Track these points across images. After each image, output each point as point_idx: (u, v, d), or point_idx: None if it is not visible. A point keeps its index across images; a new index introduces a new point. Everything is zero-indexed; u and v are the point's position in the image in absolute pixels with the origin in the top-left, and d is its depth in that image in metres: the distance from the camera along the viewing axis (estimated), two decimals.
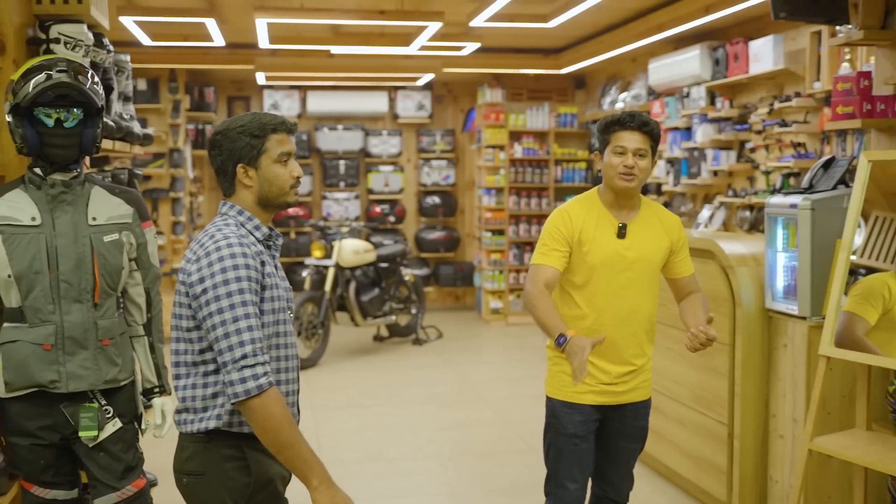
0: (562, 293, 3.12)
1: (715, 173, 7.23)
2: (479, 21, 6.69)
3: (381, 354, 8.52)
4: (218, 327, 2.10)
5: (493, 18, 6.79)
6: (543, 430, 3.21)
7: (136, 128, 3.80)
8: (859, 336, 3.30)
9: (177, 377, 2.26)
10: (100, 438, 2.75)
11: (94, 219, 2.76)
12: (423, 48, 7.95)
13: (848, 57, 5.45)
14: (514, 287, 10.08)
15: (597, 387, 3.07)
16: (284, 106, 10.45)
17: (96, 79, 2.78)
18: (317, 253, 8.18)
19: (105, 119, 3.11)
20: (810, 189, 3.93)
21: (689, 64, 7.25)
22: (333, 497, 2.10)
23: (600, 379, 3.07)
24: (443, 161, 11.00)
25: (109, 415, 2.77)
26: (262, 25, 6.68)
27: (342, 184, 10.73)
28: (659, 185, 8.27)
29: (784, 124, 6.17)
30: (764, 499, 4.10)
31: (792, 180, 6.18)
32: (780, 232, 3.96)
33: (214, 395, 2.21)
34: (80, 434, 2.72)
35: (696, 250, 4.17)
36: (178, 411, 2.27)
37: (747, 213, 6.64)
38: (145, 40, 7.46)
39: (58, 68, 2.63)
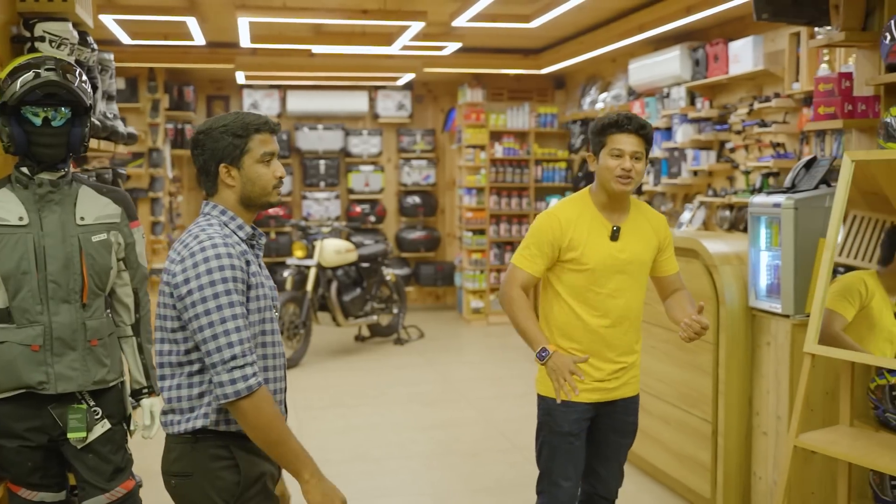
0: (555, 296, 3.13)
1: (695, 173, 7.29)
2: (461, 21, 6.71)
3: (363, 354, 8.51)
4: (206, 329, 2.10)
5: (475, 18, 6.80)
6: (536, 429, 3.22)
7: (121, 127, 3.77)
8: (836, 332, 3.35)
9: (162, 378, 2.25)
10: (88, 440, 2.73)
11: (82, 218, 2.74)
12: (405, 48, 7.96)
13: (826, 58, 5.52)
14: (495, 287, 10.10)
15: (591, 384, 3.10)
16: (264, 105, 10.41)
17: (84, 77, 2.76)
18: (298, 253, 8.16)
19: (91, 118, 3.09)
20: (793, 189, 3.98)
21: (670, 64, 7.31)
22: (325, 489, 2.14)
23: (594, 377, 3.10)
24: (423, 161, 11.00)
25: (98, 416, 2.75)
26: (244, 24, 6.65)
27: (322, 184, 10.71)
28: (640, 185, 8.33)
29: (763, 124, 6.24)
30: (747, 495, 4.14)
31: (771, 180, 6.24)
32: (763, 231, 4.00)
33: (201, 395, 2.20)
34: (69, 436, 2.70)
35: (680, 249, 4.20)
36: (164, 412, 2.26)
37: (727, 213, 6.70)
38: (125, 39, 7.40)
39: (46, 67, 2.61)
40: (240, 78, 9.70)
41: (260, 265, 2.32)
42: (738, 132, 6.66)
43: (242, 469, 2.21)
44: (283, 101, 10.54)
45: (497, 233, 10.10)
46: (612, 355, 3.10)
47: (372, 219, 10.78)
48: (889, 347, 3.32)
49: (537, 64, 9.56)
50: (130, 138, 3.91)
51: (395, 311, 9.03)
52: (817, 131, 5.66)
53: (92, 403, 2.75)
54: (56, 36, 3.07)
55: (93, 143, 3.38)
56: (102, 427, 2.76)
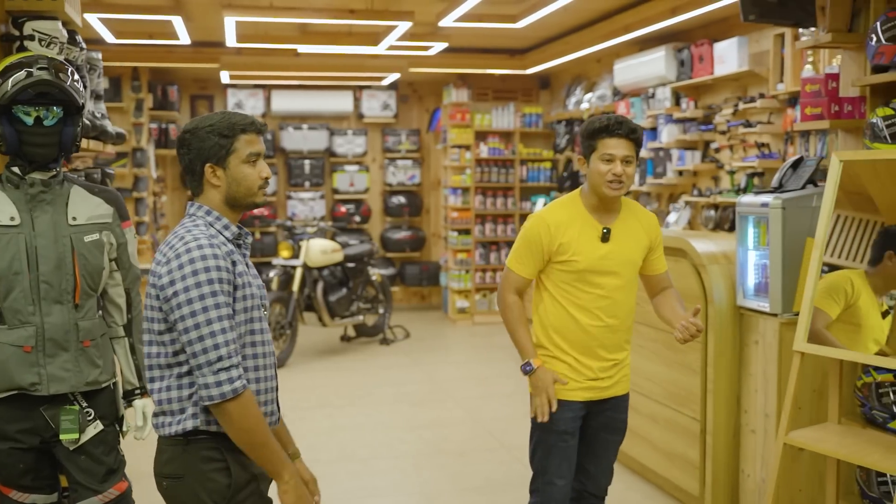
0: (549, 298, 3.16)
1: (680, 173, 7.33)
2: (448, 21, 6.71)
3: (350, 354, 8.50)
4: (191, 330, 2.10)
5: (462, 18, 6.81)
6: (530, 429, 3.24)
7: (109, 126, 3.76)
8: (819, 328, 3.38)
9: (151, 380, 2.24)
10: (81, 441, 2.71)
11: (74, 218, 2.72)
12: (391, 48, 7.95)
13: (811, 59, 5.57)
14: (481, 286, 10.12)
15: (584, 383, 3.13)
16: (248, 105, 10.37)
17: (76, 76, 2.74)
18: (284, 253, 8.14)
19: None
20: (780, 188, 4.01)
21: (655, 65, 7.35)
22: (301, 493, 2.20)
23: (586, 375, 3.13)
24: (408, 161, 11.00)
25: (90, 417, 2.74)
26: (230, 24, 6.62)
27: (307, 183, 10.68)
28: None
29: (748, 125, 6.28)
30: (736, 493, 4.18)
31: (756, 180, 6.29)
32: (751, 230, 4.03)
33: (190, 397, 2.20)
34: (61, 437, 2.68)
35: (668, 249, 4.21)
36: (155, 414, 2.26)
37: (712, 213, 6.74)
38: (109, 38, 7.35)
39: (38, 66, 2.59)
40: (224, 77, 9.67)
41: (247, 265, 2.31)
42: (723, 132, 6.70)
43: (233, 471, 2.21)
44: (268, 100, 10.51)
45: (482, 233, 10.12)
46: (603, 353, 3.13)
47: (357, 219, 10.77)
48: (875, 346, 3.36)
49: (523, 64, 9.58)
50: (119, 138, 3.89)
51: (381, 311, 9.03)
52: (802, 132, 5.71)
53: (84, 405, 2.73)
54: (46, 35, 3.05)
55: (84, 142, 3.37)
56: (95, 428, 2.74)
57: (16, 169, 2.67)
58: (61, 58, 3.07)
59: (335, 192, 10.76)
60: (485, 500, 4.70)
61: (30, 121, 2.63)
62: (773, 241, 3.83)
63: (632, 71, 7.74)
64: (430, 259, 11.16)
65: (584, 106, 9.04)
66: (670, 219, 7.19)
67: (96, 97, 3.81)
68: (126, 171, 9.00)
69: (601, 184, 3.03)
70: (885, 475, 3.40)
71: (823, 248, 3.34)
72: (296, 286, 7.91)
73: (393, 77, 9.87)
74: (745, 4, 4.21)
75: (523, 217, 10.23)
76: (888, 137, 3.53)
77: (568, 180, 9.77)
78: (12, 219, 2.63)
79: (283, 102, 10.50)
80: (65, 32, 3.19)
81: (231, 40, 7.34)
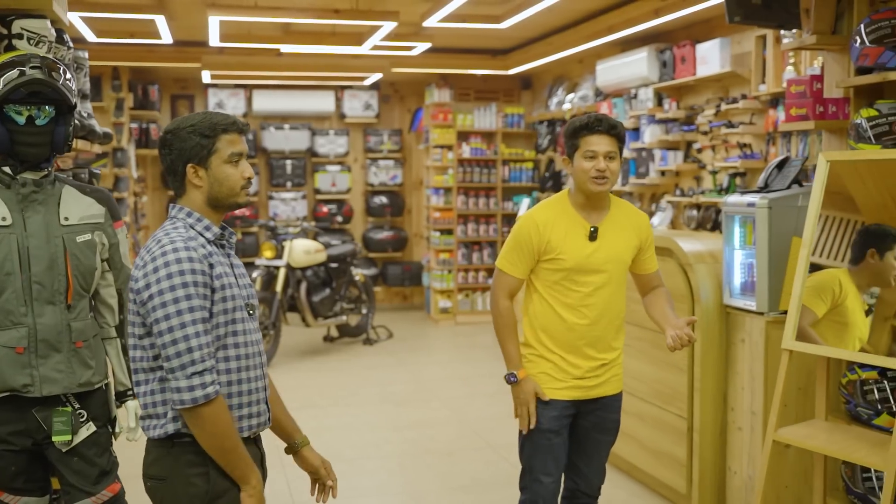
0: (537, 296, 3.18)
1: (662, 173, 7.39)
2: (432, 21, 6.72)
3: (333, 355, 8.48)
4: (165, 334, 2.09)
5: (446, 19, 6.82)
6: (519, 426, 3.26)
7: (97, 126, 3.73)
8: (803, 326, 3.43)
9: (137, 383, 2.24)
10: (74, 443, 2.69)
11: (66, 219, 2.70)
12: (374, 48, 7.95)
13: (792, 60, 5.63)
14: (463, 286, 10.14)
15: (570, 382, 3.14)
16: (230, 105, 10.32)
17: (68, 75, 2.72)
18: (267, 253, 8.11)
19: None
20: (766, 188, 4.05)
21: (637, 66, 7.39)
22: (262, 499, 2.22)
23: (572, 374, 3.14)
24: (390, 161, 10.99)
25: (83, 419, 2.72)
26: (214, 23, 6.59)
27: (289, 184, 10.65)
28: None
29: (730, 125, 6.34)
30: (722, 490, 4.21)
31: (738, 180, 6.35)
32: (737, 230, 4.07)
33: None
34: (54, 439, 2.66)
35: (655, 248, 4.25)
36: (141, 417, 2.25)
37: (694, 213, 6.80)
38: (90, 37, 7.29)
39: (31, 65, 2.57)
40: (205, 77, 9.61)
41: (232, 265, 2.30)
42: (705, 133, 6.76)
43: (212, 477, 2.19)
44: (249, 100, 10.46)
45: (465, 233, 10.14)
46: (591, 352, 3.14)
47: (339, 219, 10.75)
48: (860, 344, 3.40)
49: (505, 64, 9.60)
50: (106, 137, 3.87)
51: (364, 311, 9.02)
52: (783, 132, 5.77)
53: (77, 406, 2.71)
54: (34, 33, 3.02)
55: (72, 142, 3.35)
56: (88, 430, 2.72)
57: (7, 169, 2.64)
58: (50, 56, 3.05)
59: (317, 192, 10.74)
60: (472, 499, 4.71)
61: (22, 120, 2.60)
62: (760, 240, 3.87)
63: (614, 72, 7.79)
64: (412, 259, 11.16)
65: (567, 106, 9.08)
66: (654, 220, 7.24)
67: (83, 96, 3.78)
68: (107, 172, 8.92)
69: (586, 180, 3.06)
70: (869, 471, 3.44)
71: (811, 247, 3.39)
72: (279, 286, 7.88)
73: (375, 77, 9.86)
74: (730, 6, 4.24)
75: (505, 217, 10.27)
76: (872, 138, 3.58)
77: (550, 180, 9.81)
78: (4, 219, 2.61)
79: (265, 102, 10.46)
80: (53, 31, 3.16)
81: (214, 40, 7.30)
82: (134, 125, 9.54)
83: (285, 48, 7.99)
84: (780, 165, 4.15)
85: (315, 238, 9.05)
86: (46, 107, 2.64)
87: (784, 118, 4.30)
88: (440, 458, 5.39)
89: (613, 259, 3.13)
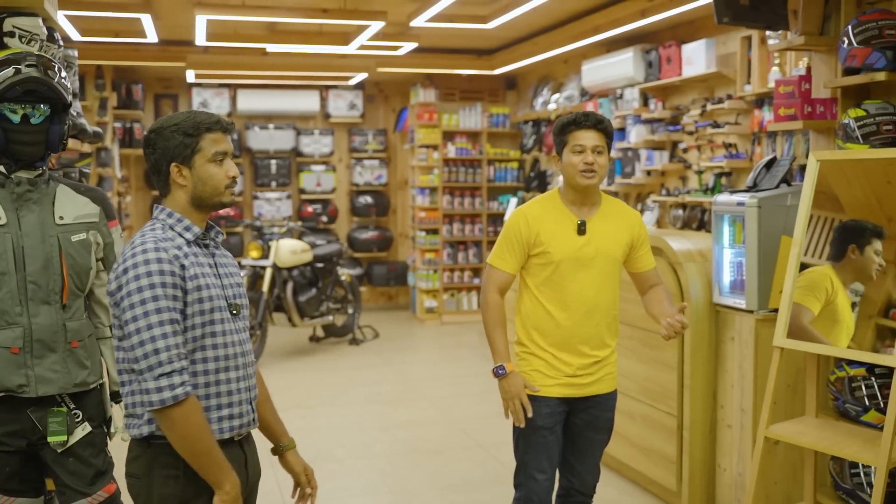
0: (528, 295, 3.21)
1: (648, 173, 7.43)
2: (420, 21, 6.72)
3: (320, 355, 8.47)
4: (133, 335, 2.08)
5: (433, 19, 6.82)
6: (513, 423, 3.27)
7: (87, 125, 3.71)
8: (805, 325, 3.46)
9: (122, 384, 2.23)
10: (69, 443, 2.68)
11: (61, 218, 2.69)
12: (360, 47, 7.94)
13: (777, 61, 5.69)
14: (449, 286, 10.14)
15: (561, 379, 3.16)
16: (214, 104, 10.27)
17: (63, 73, 2.71)
18: (254, 253, 8.09)
19: None
20: (755, 188, 4.09)
21: (623, 66, 7.43)
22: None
23: (564, 371, 3.15)
24: (375, 161, 10.98)
25: (79, 419, 2.70)
26: (201, 22, 6.56)
27: (274, 183, 10.62)
28: None
29: (716, 125, 6.39)
30: (712, 486, 4.25)
31: (724, 179, 6.40)
32: (726, 229, 4.10)
33: None
34: (49, 439, 2.65)
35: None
36: (125, 416, 2.25)
37: (680, 212, 6.85)
38: (74, 35, 7.23)
39: (27, 63, 2.56)
40: (189, 76, 9.56)
41: (215, 264, 2.27)
42: (691, 133, 6.80)
43: (183, 482, 2.16)
44: (234, 100, 10.42)
45: (450, 232, 10.15)
46: (583, 349, 3.16)
47: (324, 219, 10.73)
48: (848, 341, 3.44)
49: (490, 64, 9.62)
50: (96, 136, 3.85)
51: (351, 311, 9.01)
52: (769, 132, 5.82)
53: (72, 406, 2.70)
54: (26, 31, 3.00)
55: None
56: (83, 430, 2.71)
57: (1, 168, 2.63)
58: (45, 55, 3.03)
59: (302, 192, 10.71)
60: (463, 497, 4.72)
61: (16, 119, 2.59)
62: (749, 239, 3.91)
63: (600, 72, 7.82)
64: (397, 259, 11.16)
65: (552, 106, 9.11)
66: (644, 219, 7.28)
67: (72, 95, 3.76)
68: (90, 171, 8.86)
69: (575, 174, 3.10)
70: (857, 467, 3.49)
71: (801, 245, 3.42)
72: (266, 286, 7.86)
73: (360, 77, 9.85)
74: (718, 7, 4.28)
75: (491, 217, 10.29)
76: (860, 138, 3.62)
77: (535, 180, 9.84)
78: None
79: (249, 102, 10.43)
80: (45, 29, 3.15)
81: (201, 39, 7.27)
82: (118, 124, 9.48)
83: (271, 48, 7.96)
84: (769, 165, 4.19)
85: (300, 238, 9.04)
86: (41, 105, 2.63)
87: (773, 118, 4.34)
88: (430, 457, 5.40)
89: (603, 253, 3.14)
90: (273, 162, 10.58)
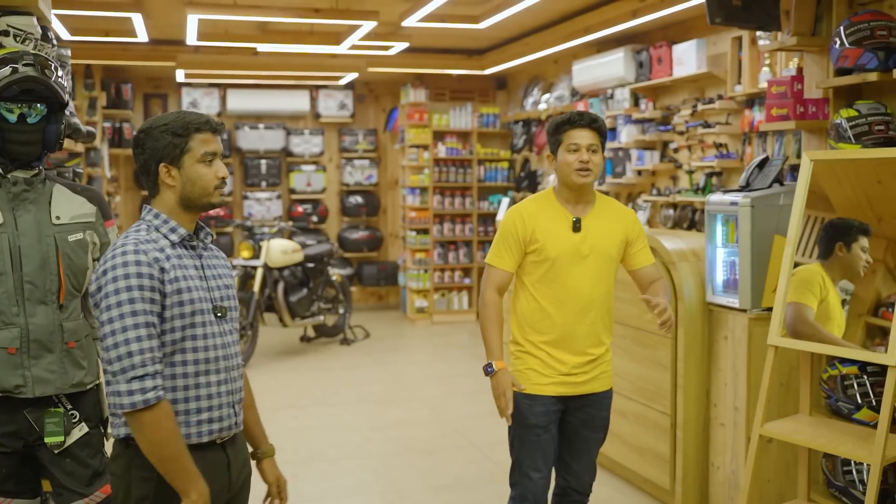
0: (524, 293, 3.22)
1: (639, 173, 7.45)
2: (411, 21, 6.72)
3: (311, 355, 8.46)
4: (107, 337, 2.07)
5: (425, 19, 6.82)
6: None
7: (80, 124, 3.70)
8: (812, 322, 3.48)
9: (107, 383, 2.22)
10: (66, 444, 2.67)
11: (57, 218, 2.68)
12: (351, 47, 7.93)
13: (768, 62, 5.72)
14: (439, 286, 10.15)
15: (557, 378, 3.17)
16: (204, 104, 10.24)
17: (60, 73, 2.70)
18: (245, 253, 8.07)
19: None
20: (748, 187, 4.12)
21: (613, 66, 7.45)
22: None
23: (559, 370, 3.17)
24: (365, 160, 10.98)
25: (76, 419, 2.69)
26: (192, 21, 6.54)
27: (264, 183, 10.60)
28: None
29: (706, 125, 6.42)
30: (706, 485, 4.27)
31: (714, 179, 6.43)
32: (719, 228, 4.13)
33: None
34: (46, 440, 2.63)
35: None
36: (109, 415, 2.24)
37: (671, 212, 6.87)
38: (64, 34, 7.20)
39: (24, 62, 2.55)
40: (179, 76, 9.53)
41: (201, 266, 2.26)
42: (682, 133, 6.83)
43: (155, 486, 2.14)
44: (224, 99, 10.40)
45: (441, 232, 10.15)
46: (579, 347, 3.17)
47: (314, 219, 10.72)
48: (839, 337, 3.47)
49: (481, 65, 9.63)
50: (89, 136, 3.85)
51: (341, 311, 9.00)
52: (759, 132, 5.85)
53: (69, 407, 2.69)
54: (21, 30, 2.99)
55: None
56: (80, 431, 2.70)
57: None
58: (41, 54, 3.02)
59: (292, 191, 10.69)
60: (456, 497, 4.73)
61: (13, 118, 2.58)
62: (742, 238, 3.93)
63: (590, 72, 7.84)
64: (387, 259, 11.15)
65: (542, 106, 9.13)
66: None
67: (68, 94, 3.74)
68: (79, 171, 8.81)
69: (570, 173, 3.12)
70: (850, 464, 3.51)
71: (795, 244, 3.45)
72: (257, 287, 7.85)
73: (350, 77, 9.84)
74: (711, 7, 4.30)
75: (481, 217, 10.30)
76: (852, 138, 3.65)
77: (525, 180, 9.86)
78: None
79: (239, 102, 10.40)
80: (39, 28, 3.13)
81: (191, 39, 7.25)
82: (107, 124, 9.43)
83: (262, 47, 7.94)
84: (761, 165, 4.21)
85: (291, 238, 9.02)
86: (38, 105, 2.62)
87: (764, 118, 4.36)
88: (422, 456, 5.40)
89: (598, 250, 3.16)
90: (263, 162, 10.56)
